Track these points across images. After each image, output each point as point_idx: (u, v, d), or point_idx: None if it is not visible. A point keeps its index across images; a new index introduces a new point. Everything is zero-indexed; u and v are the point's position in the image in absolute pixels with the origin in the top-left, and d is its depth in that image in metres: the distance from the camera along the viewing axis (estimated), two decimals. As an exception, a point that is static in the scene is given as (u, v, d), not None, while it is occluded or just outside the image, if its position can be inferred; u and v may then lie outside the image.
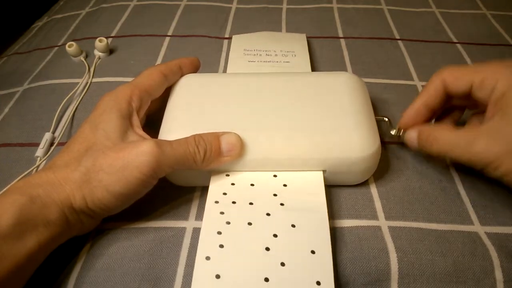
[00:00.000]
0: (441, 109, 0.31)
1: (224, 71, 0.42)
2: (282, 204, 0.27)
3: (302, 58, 0.41)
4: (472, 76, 0.28)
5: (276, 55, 0.41)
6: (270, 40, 0.43)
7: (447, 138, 0.28)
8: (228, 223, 0.25)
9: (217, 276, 0.23)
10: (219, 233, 0.25)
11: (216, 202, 0.26)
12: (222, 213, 0.26)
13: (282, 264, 0.23)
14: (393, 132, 0.32)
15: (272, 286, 0.22)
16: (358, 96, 0.31)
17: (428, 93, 0.30)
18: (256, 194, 0.27)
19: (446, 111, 0.32)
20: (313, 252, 0.24)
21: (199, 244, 0.24)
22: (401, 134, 0.32)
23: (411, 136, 0.31)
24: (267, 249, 0.24)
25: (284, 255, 0.24)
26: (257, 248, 0.24)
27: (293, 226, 0.25)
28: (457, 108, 0.32)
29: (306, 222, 0.26)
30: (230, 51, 0.42)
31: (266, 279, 0.23)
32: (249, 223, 0.25)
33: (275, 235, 0.25)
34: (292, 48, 0.42)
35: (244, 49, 0.42)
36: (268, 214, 0.26)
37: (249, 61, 0.40)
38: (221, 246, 0.24)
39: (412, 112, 0.31)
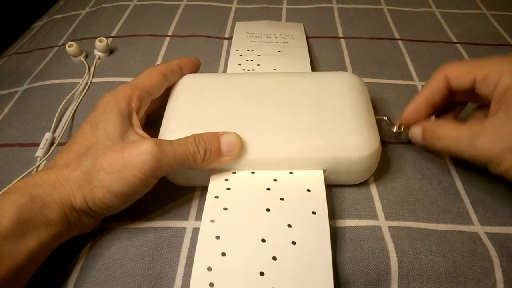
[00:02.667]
0: (443, 105, 0.31)
1: (224, 71, 0.42)
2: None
3: (300, 41, 0.44)
4: (475, 72, 0.28)
5: (276, 37, 0.44)
6: (271, 26, 0.47)
7: (450, 134, 0.28)
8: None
9: (225, 209, 0.26)
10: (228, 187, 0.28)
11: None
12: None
13: (282, 199, 0.27)
14: (394, 129, 0.33)
15: (273, 215, 0.26)
16: (358, 96, 0.31)
17: (430, 89, 0.30)
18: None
19: (448, 105, 0.32)
20: (308, 190, 0.27)
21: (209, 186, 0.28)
22: (402, 130, 0.32)
23: (416, 132, 0.31)
24: (268, 189, 0.27)
25: (284, 192, 0.27)
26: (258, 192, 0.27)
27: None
28: (459, 102, 0.32)
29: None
30: (234, 34, 0.45)
31: (268, 209, 0.26)
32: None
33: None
34: (290, 32, 0.45)
35: (247, 32, 0.45)
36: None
37: (251, 41, 0.43)
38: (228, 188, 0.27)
39: (413, 108, 0.31)
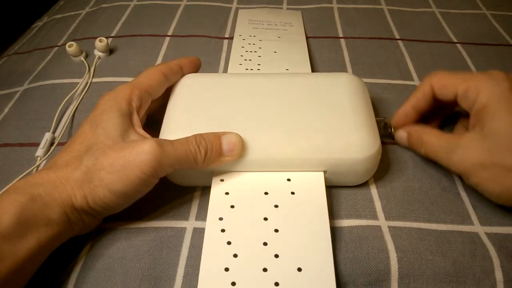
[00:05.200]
0: (431, 110, 0.33)
1: (225, 71, 0.42)
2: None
3: (298, 28, 0.47)
4: (457, 86, 0.29)
5: (276, 24, 0.47)
6: (271, 14, 0.50)
7: (432, 143, 0.29)
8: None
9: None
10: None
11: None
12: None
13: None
14: (387, 130, 0.34)
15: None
16: (359, 96, 0.31)
17: (417, 96, 0.32)
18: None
19: (437, 109, 0.33)
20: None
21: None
22: (393, 131, 0.34)
23: (402, 136, 0.33)
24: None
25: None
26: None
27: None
28: (447, 106, 0.33)
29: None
30: (237, 21, 0.48)
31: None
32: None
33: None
34: (289, 20, 0.49)
35: (249, 20, 0.48)
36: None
37: (253, 28, 0.46)
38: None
39: (401, 113, 0.33)
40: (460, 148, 0.27)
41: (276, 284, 0.23)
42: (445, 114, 0.35)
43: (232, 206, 0.27)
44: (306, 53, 0.42)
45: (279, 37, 0.44)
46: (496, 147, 0.26)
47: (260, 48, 0.42)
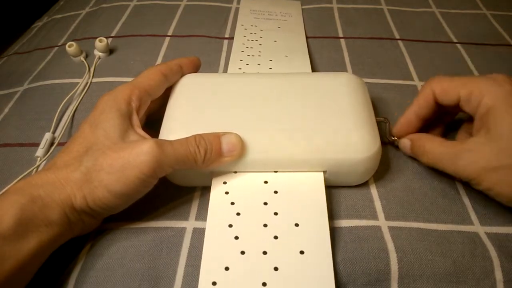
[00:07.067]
0: (433, 117, 0.32)
1: (225, 71, 0.42)
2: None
3: (297, 18, 0.50)
4: (459, 90, 0.29)
5: (276, 15, 0.50)
6: (272, 4, 0.53)
7: (435, 150, 0.29)
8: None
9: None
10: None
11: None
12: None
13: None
14: (389, 138, 0.34)
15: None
16: (359, 96, 0.31)
17: (419, 103, 0.31)
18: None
19: (439, 115, 0.33)
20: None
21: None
22: (395, 139, 0.33)
23: (405, 144, 0.32)
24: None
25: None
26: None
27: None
28: (450, 112, 0.33)
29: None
30: (239, 11, 0.51)
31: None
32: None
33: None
34: (289, 10, 0.52)
35: (251, 9, 0.51)
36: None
37: (254, 18, 0.49)
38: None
39: (404, 121, 0.32)
40: (467, 153, 0.27)
41: (275, 237, 0.25)
42: (448, 120, 0.34)
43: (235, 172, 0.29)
44: (304, 42, 0.44)
45: (279, 27, 0.47)
46: (505, 150, 0.26)
47: (261, 37, 0.44)
